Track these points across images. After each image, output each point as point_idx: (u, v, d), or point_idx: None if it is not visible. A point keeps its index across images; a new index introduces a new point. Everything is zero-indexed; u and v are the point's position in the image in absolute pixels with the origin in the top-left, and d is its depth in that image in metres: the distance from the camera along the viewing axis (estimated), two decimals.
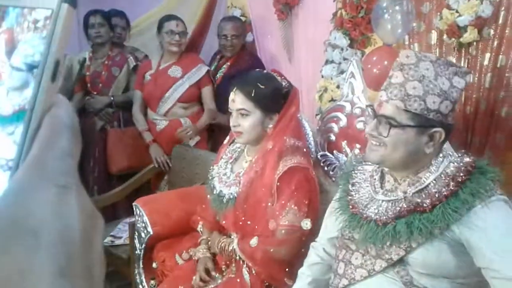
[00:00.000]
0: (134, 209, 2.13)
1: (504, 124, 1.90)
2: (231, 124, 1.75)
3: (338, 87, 2.60)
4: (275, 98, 1.72)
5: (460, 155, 1.24)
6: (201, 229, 1.95)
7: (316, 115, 2.67)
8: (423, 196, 1.18)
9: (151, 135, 2.94)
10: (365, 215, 1.26)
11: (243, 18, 3.44)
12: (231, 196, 1.74)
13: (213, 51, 3.38)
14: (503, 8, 1.89)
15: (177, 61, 2.93)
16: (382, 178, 1.33)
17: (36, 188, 0.29)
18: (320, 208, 1.77)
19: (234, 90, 1.72)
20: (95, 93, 3.13)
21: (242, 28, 3.14)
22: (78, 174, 0.34)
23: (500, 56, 1.92)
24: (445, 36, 2.04)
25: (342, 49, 2.58)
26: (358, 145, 1.83)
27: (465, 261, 1.14)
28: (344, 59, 2.57)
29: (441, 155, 1.23)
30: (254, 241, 1.65)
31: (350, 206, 1.32)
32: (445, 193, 1.14)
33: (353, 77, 1.85)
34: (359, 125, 1.83)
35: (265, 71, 1.84)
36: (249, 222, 1.70)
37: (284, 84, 1.76)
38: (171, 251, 1.99)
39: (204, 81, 2.93)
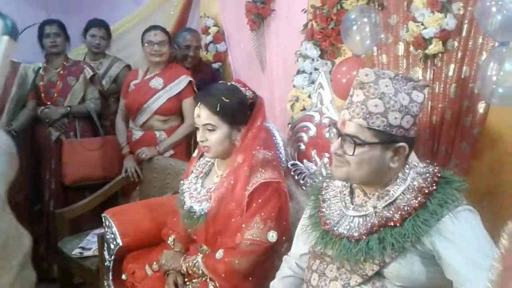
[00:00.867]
0: (103, 220, 2.09)
1: (469, 133, 1.94)
2: (198, 139, 1.74)
3: (309, 96, 2.62)
4: (241, 110, 1.71)
5: (425, 165, 1.26)
6: (172, 242, 1.93)
7: (289, 124, 2.69)
8: (393, 210, 1.19)
9: (128, 148, 2.92)
10: (337, 232, 1.26)
11: (215, 28, 3.46)
12: (202, 212, 1.73)
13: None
14: (466, 21, 1.94)
15: (161, 72, 2.92)
16: (351, 193, 1.34)
17: None
18: (291, 217, 1.78)
19: (198, 105, 1.71)
20: (49, 103, 3.08)
21: (200, 39, 3.33)
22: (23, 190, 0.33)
23: (464, 67, 1.96)
24: (411, 48, 2.08)
25: (313, 60, 2.60)
26: (327, 154, 1.85)
27: (437, 271, 1.15)
28: (315, 69, 2.59)
29: (407, 166, 1.25)
30: (219, 254, 1.65)
31: (322, 223, 1.32)
32: (414, 205, 1.16)
33: (322, 88, 1.88)
34: (328, 135, 1.85)
35: (228, 83, 1.81)
36: (218, 237, 1.70)
37: (248, 94, 1.75)
38: (141, 263, 1.97)
39: (186, 93, 2.88)
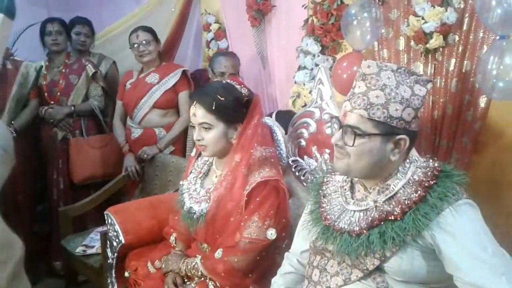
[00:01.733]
0: (105, 218, 2.10)
1: (470, 128, 1.94)
2: (194, 138, 1.74)
3: (311, 92, 2.61)
4: (236, 109, 1.70)
5: (425, 160, 1.26)
6: (174, 241, 1.94)
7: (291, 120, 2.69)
8: (393, 204, 1.19)
9: (128, 146, 2.93)
10: (338, 227, 1.26)
11: (217, 25, 3.46)
12: (202, 213, 1.73)
13: (187, 60, 3.40)
14: (467, 15, 1.93)
15: (156, 68, 2.96)
16: (352, 188, 1.33)
17: None
18: (292, 213, 1.78)
19: (194, 104, 1.71)
20: (52, 102, 3.08)
21: (238, 65, 2.91)
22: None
23: (465, 61, 1.95)
24: (412, 42, 2.07)
25: (314, 55, 2.60)
26: (327, 150, 1.84)
27: (437, 266, 1.15)
28: (316, 65, 2.59)
29: (407, 161, 1.25)
30: (218, 253, 1.65)
31: (323, 218, 1.32)
32: (414, 199, 1.16)
33: (322, 84, 1.87)
34: (328, 131, 1.85)
35: (223, 81, 1.79)
36: (217, 236, 1.70)
37: (244, 92, 1.74)
38: (143, 260, 1.97)
39: (181, 85, 2.92)
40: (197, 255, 1.77)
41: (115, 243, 2.04)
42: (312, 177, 1.89)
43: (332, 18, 2.46)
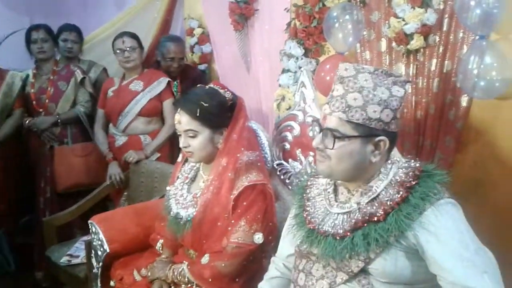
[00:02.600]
0: (90, 227, 2.07)
1: (452, 127, 1.95)
2: (180, 145, 1.73)
3: (294, 95, 2.62)
4: (221, 114, 1.70)
5: (407, 160, 1.26)
6: (160, 248, 1.92)
7: (275, 123, 2.69)
8: (376, 205, 1.19)
9: (111, 154, 2.90)
10: (322, 230, 1.26)
11: (200, 30, 3.45)
12: (189, 218, 1.72)
13: None
14: (446, 16, 1.95)
15: (139, 76, 2.93)
16: (335, 190, 1.34)
17: None
18: (278, 217, 1.78)
19: (178, 111, 1.70)
20: (41, 110, 3.03)
21: (184, 49, 3.24)
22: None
23: (446, 62, 1.97)
24: (394, 44, 2.09)
25: (297, 58, 2.60)
26: (311, 153, 1.85)
27: (421, 266, 1.15)
28: (300, 67, 2.59)
29: (389, 161, 1.26)
30: (205, 258, 1.64)
31: (307, 222, 1.32)
32: (397, 200, 1.16)
33: (304, 86, 1.88)
34: (312, 133, 1.85)
35: (206, 87, 1.79)
36: (204, 241, 1.69)
37: (228, 96, 1.74)
38: (129, 268, 1.94)
39: (166, 94, 2.91)
40: (184, 261, 1.76)
41: (99, 252, 2.01)
42: (297, 180, 1.89)
43: (314, 21, 2.47)
